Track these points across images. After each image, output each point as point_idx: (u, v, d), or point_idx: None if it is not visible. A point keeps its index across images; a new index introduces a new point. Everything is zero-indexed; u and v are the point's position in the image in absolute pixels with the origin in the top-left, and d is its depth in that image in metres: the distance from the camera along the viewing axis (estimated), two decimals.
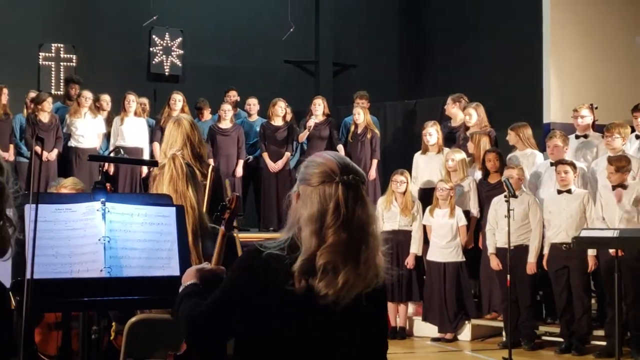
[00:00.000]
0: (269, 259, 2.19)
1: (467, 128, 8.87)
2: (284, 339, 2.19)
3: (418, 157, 9.04)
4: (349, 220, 2.18)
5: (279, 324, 2.18)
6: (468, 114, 8.86)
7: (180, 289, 2.44)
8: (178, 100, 10.02)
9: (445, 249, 8.03)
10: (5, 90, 9.51)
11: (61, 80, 12.05)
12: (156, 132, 9.97)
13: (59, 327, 3.86)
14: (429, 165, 8.88)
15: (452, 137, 9.13)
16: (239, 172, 10.09)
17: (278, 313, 2.18)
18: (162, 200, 3.23)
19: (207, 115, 10.75)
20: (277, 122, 10.24)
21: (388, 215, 8.28)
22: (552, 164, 7.66)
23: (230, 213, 2.83)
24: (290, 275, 2.15)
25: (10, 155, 9.30)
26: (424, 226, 8.25)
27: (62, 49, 12.40)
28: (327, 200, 2.20)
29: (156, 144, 9.84)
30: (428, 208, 8.21)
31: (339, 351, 2.22)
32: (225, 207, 2.85)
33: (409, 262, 8.18)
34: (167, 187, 3.48)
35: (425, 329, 8.29)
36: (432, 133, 8.84)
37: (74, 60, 12.43)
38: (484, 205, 8.10)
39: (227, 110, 10.16)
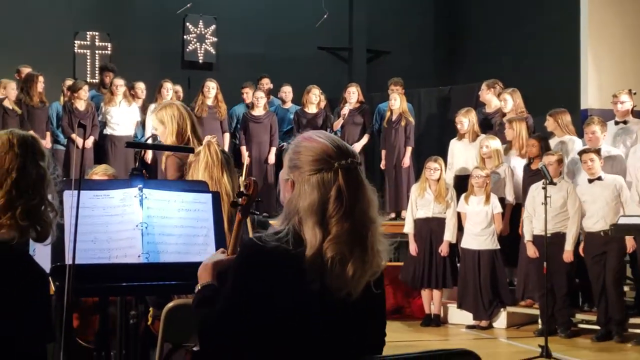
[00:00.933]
0: (275, 256, 2.08)
1: (504, 114, 8.81)
2: (298, 335, 2.11)
3: (454, 144, 9.01)
4: (352, 207, 2.10)
5: (294, 322, 2.10)
6: (504, 100, 8.80)
7: (196, 289, 2.35)
8: (212, 87, 10.06)
9: (480, 236, 8.00)
10: (41, 79, 9.63)
11: (96, 69, 12.16)
12: None
13: (97, 312, 3.91)
14: (464, 152, 8.84)
15: (488, 124, 9.07)
16: (272, 159, 10.11)
17: (294, 312, 2.09)
18: (199, 186, 3.25)
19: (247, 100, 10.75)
20: (311, 109, 10.24)
21: (422, 202, 8.26)
22: (579, 154, 7.58)
23: (247, 199, 2.81)
24: (302, 271, 2.07)
25: (47, 143, 9.42)
26: (459, 214, 8.22)
27: (97, 37, 12.51)
28: (327, 188, 2.10)
29: None
30: (463, 195, 8.17)
31: (352, 339, 2.16)
32: (242, 193, 2.82)
33: (443, 249, 8.16)
34: (203, 174, 3.50)
35: (460, 317, 8.27)
36: (464, 121, 8.81)
37: (108, 49, 12.53)
38: (527, 192, 8.01)
39: (260, 97, 10.18)
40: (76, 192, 2.33)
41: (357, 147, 10.05)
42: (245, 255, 2.15)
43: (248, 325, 2.10)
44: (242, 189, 2.82)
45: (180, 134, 4.55)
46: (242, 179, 4.14)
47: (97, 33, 12.49)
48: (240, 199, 2.78)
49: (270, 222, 3.72)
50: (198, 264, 2.90)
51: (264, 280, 2.09)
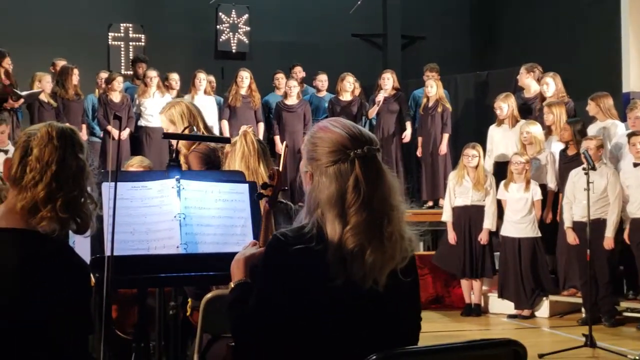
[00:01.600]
0: (299, 255, 2.08)
1: (544, 99, 8.71)
2: (327, 331, 2.11)
3: (493, 130, 8.94)
4: (370, 196, 2.09)
5: (322, 319, 2.10)
6: (546, 84, 8.70)
7: (230, 288, 2.35)
8: (245, 77, 10.09)
9: (520, 224, 7.94)
10: (76, 71, 9.73)
11: (130, 60, 12.28)
12: (224, 110, 10.08)
13: (135, 303, 3.95)
14: (504, 138, 8.77)
15: (527, 109, 8.98)
16: None
17: (321, 309, 2.10)
18: (235, 176, 3.26)
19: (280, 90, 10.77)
20: (346, 97, 10.23)
21: (460, 190, 8.21)
22: (628, 136, 7.47)
23: (273, 189, 2.81)
24: (325, 268, 2.07)
25: (83, 135, 9.50)
26: (498, 201, 8.16)
27: (130, 29, 12.61)
28: (345, 179, 2.09)
29: (224, 122, 9.96)
30: (503, 182, 8.12)
31: (383, 330, 2.16)
32: (266, 184, 2.82)
33: (483, 237, 8.11)
34: (239, 164, 3.52)
35: (501, 306, 8.22)
36: (503, 107, 8.74)
37: (142, 40, 12.63)
38: (565, 178, 7.94)
39: (292, 86, 10.18)
40: (114, 183, 2.36)
41: (407, 135, 10.00)
42: (270, 255, 2.15)
43: (278, 324, 2.11)
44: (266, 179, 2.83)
45: (193, 129, 4.58)
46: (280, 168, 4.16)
47: (130, 25, 12.60)
48: (265, 190, 2.78)
49: None
50: (236, 254, 2.93)
51: (289, 279, 2.09)
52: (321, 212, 2.11)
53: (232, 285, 2.35)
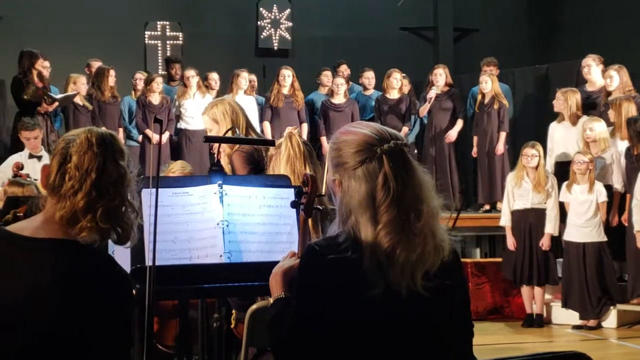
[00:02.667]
0: (335, 267, 2.10)
1: (609, 93, 8.58)
2: (369, 344, 2.12)
3: (554, 127, 8.84)
4: (400, 192, 2.11)
5: (363, 332, 2.12)
6: (609, 77, 8.57)
7: (269, 304, 2.38)
8: (287, 75, 10.13)
9: (584, 227, 7.85)
10: (112, 72, 9.84)
11: None
12: (266, 111, 10.12)
13: (176, 315, 4.00)
14: (565, 136, 8.67)
15: (591, 104, 8.87)
16: None
17: (362, 322, 2.11)
18: (280, 181, 3.28)
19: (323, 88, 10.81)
20: (393, 95, 10.21)
21: (519, 192, 8.15)
22: None
23: (308, 197, 2.82)
24: (362, 277, 2.08)
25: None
26: (561, 203, 8.08)
27: (168, 27, 12.76)
28: (374, 178, 2.11)
29: (266, 123, 10.01)
30: (565, 183, 8.03)
31: (429, 340, 2.16)
32: (301, 191, 2.83)
33: (544, 242, 8.04)
34: (285, 167, 3.54)
35: (565, 316, 8.13)
36: (565, 102, 8.62)
37: (180, 38, 12.77)
38: (631, 178, 7.82)
39: (339, 84, 10.20)
40: (154, 190, 2.40)
41: (453, 133, 9.98)
42: (304, 268, 2.19)
43: (317, 342, 2.13)
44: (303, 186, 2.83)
45: (236, 131, 4.64)
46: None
47: (167, 23, 12.75)
48: (300, 198, 2.78)
49: None
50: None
51: (326, 293, 2.12)
52: (354, 219, 2.13)
53: (271, 301, 2.38)
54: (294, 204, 2.84)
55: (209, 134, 4.56)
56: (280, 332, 2.20)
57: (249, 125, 4.66)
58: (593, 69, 8.93)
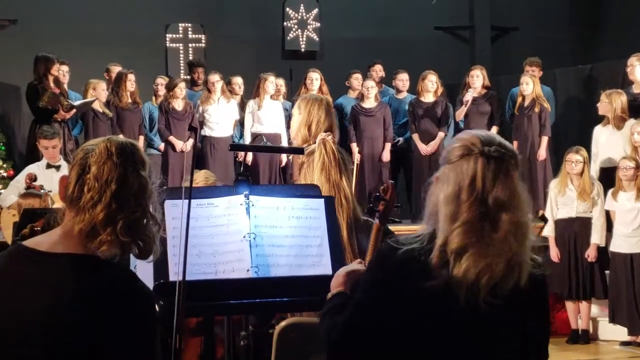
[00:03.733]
0: (406, 258, 2.17)
1: None
2: (424, 343, 2.17)
3: (599, 131, 8.77)
4: (485, 196, 2.14)
5: (419, 328, 2.16)
6: None
7: (327, 299, 2.46)
8: (315, 79, 10.13)
9: (631, 237, 7.81)
10: (131, 77, 9.85)
11: None
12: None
13: (200, 333, 3.99)
14: (611, 141, 8.60)
15: (638, 107, 8.78)
16: (386, 156, 10.10)
17: (418, 315, 2.16)
18: (310, 191, 3.27)
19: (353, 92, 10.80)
20: (428, 98, 10.18)
21: (563, 200, 8.09)
22: None
23: (385, 204, 2.82)
24: (428, 268, 2.13)
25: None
26: (607, 212, 8.00)
27: (190, 29, 12.83)
28: (465, 176, 2.17)
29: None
30: (610, 191, 7.98)
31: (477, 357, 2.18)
32: (379, 197, 2.84)
33: (590, 254, 7.97)
34: (319, 176, 3.51)
35: (613, 332, 8.06)
36: (610, 105, 8.55)
37: (203, 41, 12.84)
38: None
39: (370, 87, 10.18)
40: (179, 201, 2.40)
41: (542, 153, 9.89)
42: (376, 260, 2.28)
43: (377, 333, 2.20)
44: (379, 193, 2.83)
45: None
46: (353, 181, 4.15)
47: (189, 25, 12.82)
48: (377, 205, 2.78)
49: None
50: (311, 277, 2.95)
51: (389, 287, 2.18)
52: (437, 212, 2.20)
53: (329, 296, 2.47)
54: (370, 211, 2.86)
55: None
56: (337, 322, 2.28)
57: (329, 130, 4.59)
58: (637, 69, 8.85)
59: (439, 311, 2.15)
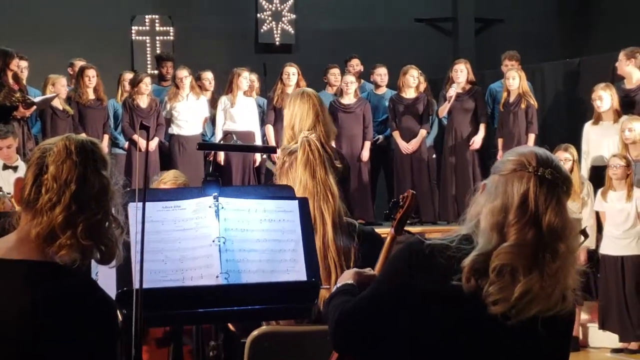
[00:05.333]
0: (432, 251, 2.24)
1: None
2: (437, 340, 2.24)
3: (589, 128, 8.83)
4: (538, 219, 2.18)
5: (435, 324, 2.23)
6: None
7: (333, 289, 2.57)
8: (292, 73, 10.10)
9: (622, 239, 7.84)
10: (92, 72, 9.77)
11: None
12: (269, 113, 10.10)
13: (168, 344, 3.98)
14: (602, 138, 8.65)
15: (629, 102, 8.85)
16: (365, 155, 10.11)
17: (436, 311, 2.22)
18: (283, 192, 3.26)
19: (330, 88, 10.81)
20: (409, 93, 10.20)
21: None
22: None
23: (403, 212, 2.82)
24: (457, 271, 2.18)
25: (104, 147, 9.64)
26: (597, 213, 8.05)
27: (157, 21, 12.78)
28: (515, 193, 2.21)
29: (269, 127, 9.98)
30: (600, 191, 8.01)
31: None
32: (397, 204, 2.84)
33: (580, 257, 8.00)
34: (303, 172, 3.50)
35: (604, 338, 8.10)
36: (604, 97, 8.60)
37: (171, 34, 12.80)
38: None
39: (350, 82, 10.17)
40: (141, 204, 2.38)
41: (478, 140, 9.95)
42: (402, 249, 2.34)
43: (389, 321, 2.29)
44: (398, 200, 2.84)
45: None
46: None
47: (156, 16, 12.77)
48: (395, 212, 2.77)
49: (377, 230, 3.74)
50: (285, 284, 2.94)
51: (410, 275, 2.26)
52: (477, 221, 2.26)
53: (335, 288, 2.60)
54: (387, 217, 2.87)
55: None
56: (349, 302, 2.40)
57: (330, 123, 4.64)
58: (630, 64, 8.90)
59: (461, 312, 2.21)
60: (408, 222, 2.94)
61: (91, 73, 9.77)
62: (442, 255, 2.22)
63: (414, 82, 10.15)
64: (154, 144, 9.72)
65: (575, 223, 2.31)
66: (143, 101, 9.90)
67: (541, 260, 2.17)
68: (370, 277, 2.59)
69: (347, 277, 2.63)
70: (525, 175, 2.22)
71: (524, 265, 2.16)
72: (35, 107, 9.03)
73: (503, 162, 2.30)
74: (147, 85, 9.91)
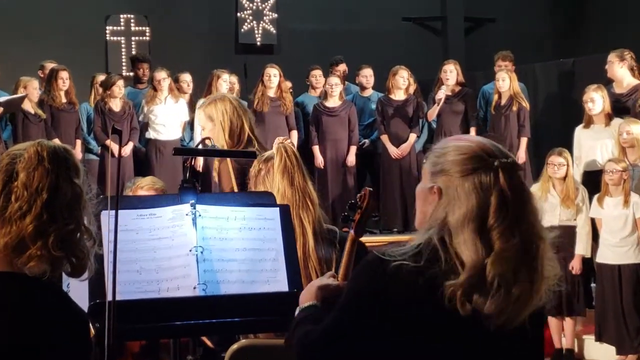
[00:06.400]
0: (398, 272, 2.13)
1: None
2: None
3: (580, 132, 8.86)
4: (518, 217, 2.13)
5: (426, 353, 2.17)
6: None
7: (296, 313, 2.46)
8: (273, 75, 10.10)
9: (619, 247, 7.83)
10: (64, 74, 9.73)
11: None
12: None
13: (145, 357, 3.99)
14: (595, 141, 8.68)
15: (622, 108, 8.87)
16: (351, 160, 10.12)
17: (426, 339, 2.16)
18: (264, 199, 3.28)
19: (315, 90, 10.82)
20: (398, 95, 10.22)
21: (545, 207, 8.12)
22: None
23: (361, 213, 2.83)
24: (435, 290, 2.11)
25: (77, 153, 9.61)
26: (592, 220, 8.08)
27: (132, 21, 12.76)
28: (487, 193, 2.13)
29: None
30: (596, 196, 8.03)
31: None
32: (355, 205, 2.85)
33: (575, 266, 8.02)
34: (280, 180, 3.52)
35: (600, 351, 8.11)
36: (596, 99, 8.63)
37: (147, 34, 12.78)
38: None
39: (334, 84, 10.18)
40: (118, 211, 2.39)
41: (522, 155, 9.95)
42: (362, 271, 2.22)
43: (360, 349, 2.18)
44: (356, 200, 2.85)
45: (236, 134, 4.68)
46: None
47: (132, 16, 12.75)
48: (353, 214, 2.79)
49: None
50: (266, 295, 2.95)
51: (376, 302, 2.15)
52: (449, 233, 2.15)
53: (298, 310, 2.47)
54: (344, 219, 2.87)
55: (201, 132, 4.64)
56: (313, 331, 2.26)
57: (252, 130, 4.72)
58: (616, 67, 8.92)
59: (459, 336, 2.16)
60: (373, 222, 2.93)
61: (64, 75, 9.74)
62: (413, 277, 2.13)
63: (403, 83, 10.16)
64: (128, 149, 9.71)
65: (541, 209, 2.24)
66: (116, 105, 9.87)
67: (527, 257, 2.13)
68: (334, 291, 2.48)
69: (310, 295, 2.49)
70: (492, 172, 2.15)
71: (515, 270, 2.11)
72: (2, 108, 8.97)
73: (453, 162, 2.19)
74: (120, 88, 9.88)
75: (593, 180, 8.29)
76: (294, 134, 10.14)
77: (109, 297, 2.35)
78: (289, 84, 10.27)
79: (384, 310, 2.15)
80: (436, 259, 2.14)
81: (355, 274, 2.28)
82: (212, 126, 4.65)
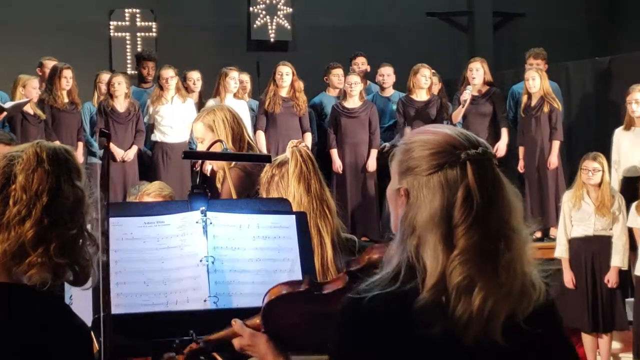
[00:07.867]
0: (372, 306, 2.05)
1: None
2: None
3: (620, 135, 8.83)
4: (485, 212, 2.04)
5: None
6: None
7: None
8: (285, 73, 10.09)
9: None
10: (67, 73, 9.77)
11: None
12: (260, 118, 10.08)
13: None
14: (636, 146, 8.65)
15: None
16: (372, 165, 10.10)
17: None
18: (279, 205, 3.27)
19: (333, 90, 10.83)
20: (421, 96, 10.21)
21: (578, 216, 8.11)
22: None
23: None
24: (414, 314, 2.03)
25: (79, 156, 9.63)
26: (630, 229, 8.05)
27: (138, 16, 12.80)
28: (453, 189, 2.05)
29: (260, 133, 9.95)
30: (634, 204, 8.01)
31: None
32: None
33: (611, 279, 8.00)
34: (297, 188, 3.50)
35: None
36: (638, 102, 8.60)
37: (153, 30, 12.82)
38: None
39: (354, 83, 10.17)
40: (124, 219, 2.38)
41: (502, 146, 9.96)
42: (344, 318, 2.15)
43: None
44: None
45: (238, 141, 4.74)
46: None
47: (137, 10, 12.79)
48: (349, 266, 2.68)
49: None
50: None
51: (370, 342, 2.08)
52: (418, 238, 2.08)
53: None
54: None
55: (200, 145, 4.71)
56: None
57: (251, 138, 4.85)
58: None
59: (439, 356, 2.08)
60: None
61: (68, 74, 9.78)
62: (386, 302, 2.05)
63: (425, 82, 10.15)
64: (131, 153, 9.71)
65: (520, 203, 2.13)
66: (120, 105, 9.86)
67: (493, 254, 2.05)
68: (254, 322, 2.47)
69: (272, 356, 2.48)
70: (458, 165, 2.07)
71: (478, 269, 2.03)
72: (5, 113, 9.02)
73: (418, 159, 2.11)
74: (124, 87, 9.84)
75: (632, 187, 8.26)
76: (308, 136, 10.12)
77: (102, 312, 2.32)
78: (302, 84, 10.24)
79: (370, 352, 2.08)
80: (412, 275, 2.07)
81: (337, 328, 2.16)
82: (212, 136, 4.68)
